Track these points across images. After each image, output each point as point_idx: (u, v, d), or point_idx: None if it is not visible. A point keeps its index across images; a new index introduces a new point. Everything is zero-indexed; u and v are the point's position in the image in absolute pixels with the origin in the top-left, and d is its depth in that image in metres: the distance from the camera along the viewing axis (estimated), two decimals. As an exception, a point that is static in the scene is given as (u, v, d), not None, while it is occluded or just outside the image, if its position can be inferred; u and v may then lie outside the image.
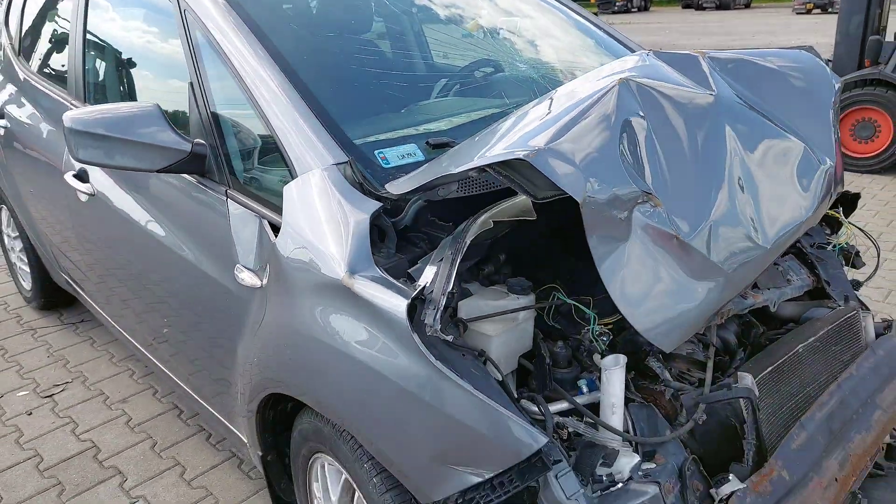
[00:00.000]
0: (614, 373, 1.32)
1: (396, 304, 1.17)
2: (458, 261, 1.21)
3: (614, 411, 1.32)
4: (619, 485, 1.23)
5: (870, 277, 2.13)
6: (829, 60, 5.61)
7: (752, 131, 1.62)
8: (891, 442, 1.87)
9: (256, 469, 2.25)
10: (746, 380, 1.37)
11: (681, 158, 1.42)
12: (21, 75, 2.89)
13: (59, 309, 3.45)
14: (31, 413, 2.63)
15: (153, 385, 2.78)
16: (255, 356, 1.57)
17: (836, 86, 1.93)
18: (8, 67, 3.05)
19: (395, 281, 1.22)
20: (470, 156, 1.22)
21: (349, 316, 1.26)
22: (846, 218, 2.13)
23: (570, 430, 1.30)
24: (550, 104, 1.40)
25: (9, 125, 2.91)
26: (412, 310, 1.16)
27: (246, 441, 1.85)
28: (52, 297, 3.33)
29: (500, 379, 1.28)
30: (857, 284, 2.00)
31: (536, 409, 1.27)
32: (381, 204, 1.35)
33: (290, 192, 1.44)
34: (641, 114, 1.39)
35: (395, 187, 1.35)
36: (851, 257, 2.08)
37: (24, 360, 3.01)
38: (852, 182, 5.25)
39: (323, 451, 1.50)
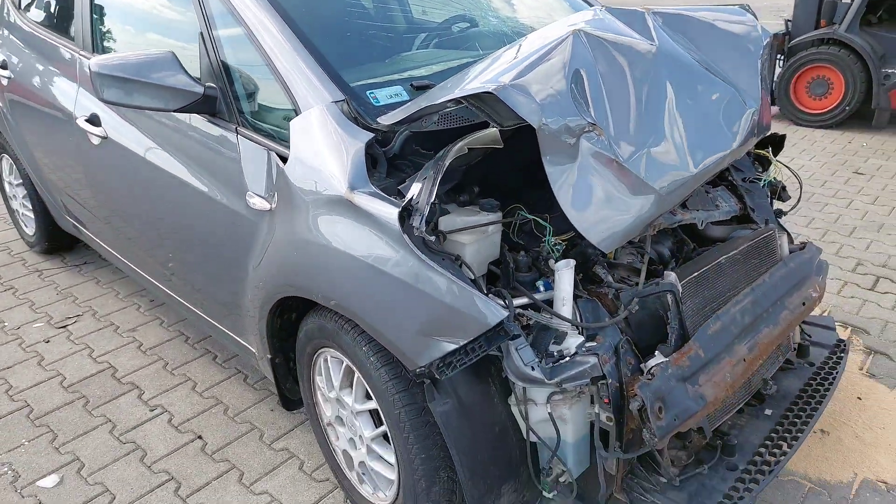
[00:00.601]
0: (564, 273, 1.63)
1: (390, 212, 1.46)
2: (439, 178, 1.49)
3: (564, 304, 1.63)
4: (567, 358, 1.55)
5: (793, 207, 2.46)
6: (788, 20, 5.90)
7: (687, 77, 1.90)
8: (802, 342, 2.23)
9: (261, 381, 2.56)
10: (671, 277, 1.69)
11: (624, 97, 1.70)
12: (24, 27, 3.05)
13: (62, 253, 3.67)
14: (48, 341, 2.88)
15: (159, 316, 3.05)
16: (265, 269, 1.85)
17: (766, 40, 2.22)
18: (9, 20, 3.21)
19: (387, 195, 1.50)
20: (448, 91, 1.50)
21: (350, 223, 1.55)
22: (774, 157, 2.45)
23: (529, 319, 1.61)
24: (517, 50, 1.67)
25: (12, 76, 3.08)
26: (402, 216, 1.45)
27: (255, 351, 2.14)
28: (56, 241, 3.55)
29: (473, 278, 1.58)
30: (779, 213, 2.33)
31: (502, 301, 1.58)
32: (373, 135, 1.63)
33: (296, 126, 1.71)
34: (591, 59, 1.67)
35: (386, 119, 1.62)
36: (778, 191, 2.41)
37: (35, 297, 3.25)
38: (805, 136, 5.62)
39: (326, 345, 1.80)
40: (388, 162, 1.66)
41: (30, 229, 3.64)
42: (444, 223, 1.64)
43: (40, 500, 2.05)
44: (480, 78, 1.50)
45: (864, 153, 5.14)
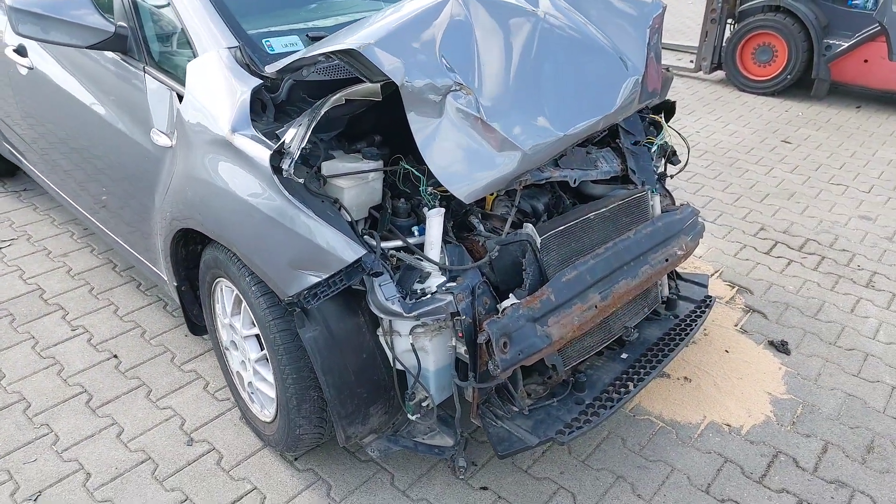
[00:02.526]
0: (434, 219, 1.80)
1: (263, 154, 1.60)
2: (313, 125, 1.63)
3: (432, 247, 1.80)
4: (428, 296, 1.74)
5: (679, 171, 2.65)
6: (740, -15, 5.99)
7: (568, 42, 2.04)
8: (669, 296, 2.45)
9: (178, 309, 2.72)
10: (528, 228, 1.88)
11: (498, 58, 1.84)
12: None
13: (3, 178, 3.74)
14: (-20, 262, 3.01)
15: (91, 244, 3.18)
16: (168, 201, 1.99)
17: (658, 11, 2.36)
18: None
19: (265, 139, 1.65)
20: (325, 45, 1.62)
21: (230, 163, 1.69)
22: (667, 122, 2.62)
23: (400, 260, 1.79)
24: (398, 9, 1.79)
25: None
26: (275, 158, 1.59)
27: (165, 278, 2.30)
28: (-5, 165, 3.62)
29: (350, 219, 1.74)
30: (663, 176, 2.52)
31: (373, 241, 1.75)
32: (262, 81, 1.75)
33: (192, 68, 1.83)
34: (468, 20, 1.80)
35: (271, 67, 1.74)
36: (668, 154, 2.59)
37: (-29, 220, 3.35)
38: (746, 102, 5.79)
39: (220, 275, 1.97)
40: (276, 108, 1.80)
41: (-31, 153, 3.69)
42: (327, 168, 1.79)
43: (-40, 406, 2.23)
44: (357, 34, 1.63)
45: (797, 122, 5.34)
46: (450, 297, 1.71)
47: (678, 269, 2.67)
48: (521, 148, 1.80)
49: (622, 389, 2.04)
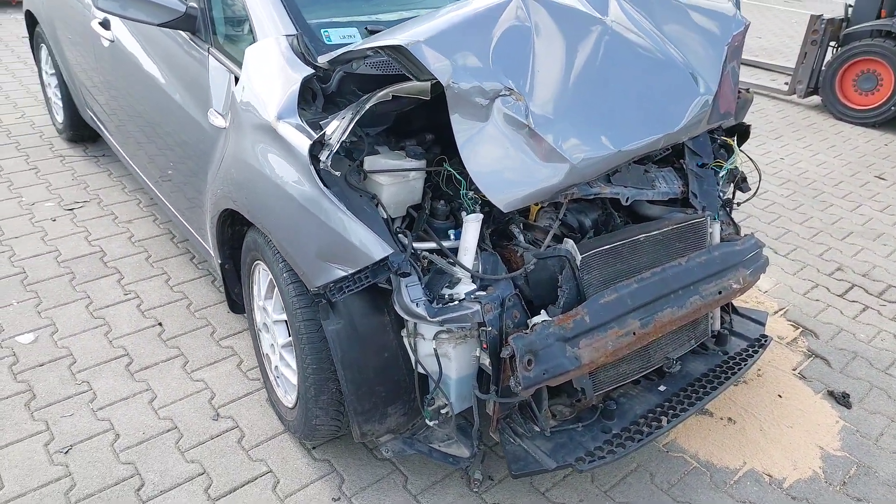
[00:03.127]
0: (470, 225, 1.75)
1: (302, 143, 1.60)
2: (357, 118, 1.61)
3: (466, 253, 1.76)
4: (455, 302, 1.69)
5: (748, 199, 2.49)
6: (849, 5, 5.60)
7: (635, 54, 1.95)
8: (721, 330, 2.31)
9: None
10: (568, 244, 1.80)
11: (556, 65, 1.77)
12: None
13: (85, 143, 3.95)
14: (55, 220, 3.18)
15: (154, 213, 3.31)
16: (217, 182, 2.03)
17: (738, 29, 2.22)
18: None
19: (308, 128, 1.64)
20: (374, 40, 1.60)
21: (273, 149, 1.70)
22: (739, 147, 2.47)
23: (432, 262, 1.75)
24: (458, 7, 1.75)
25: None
26: (314, 148, 1.59)
27: (213, 254, 2.35)
28: (80, 131, 3.82)
29: (386, 217, 1.72)
30: (728, 203, 2.37)
31: (405, 241, 1.72)
32: (314, 71, 1.75)
33: (249, 52, 1.85)
34: (528, 24, 1.74)
35: (323, 58, 1.74)
36: (737, 181, 2.44)
37: (53, 180, 3.55)
38: (841, 132, 5.42)
39: (258, 257, 1.99)
40: (326, 99, 1.79)
41: (59, 117, 3.91)
42: (369, 163, 1.78)
43: (14, 352, 2.35)
44: (408, 31, 1.60)
45: (897, 159, 4.96)
46: (477, 307, 1.66)
47: (735, 303, 2.52)
48: (570, 161, 1.73)
49: (654, 423, 1.93)
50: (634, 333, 1.84)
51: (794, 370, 2.64)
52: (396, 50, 1.54)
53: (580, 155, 1.75)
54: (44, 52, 3.87)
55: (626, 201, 2.02)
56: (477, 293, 1.71)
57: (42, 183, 3.50)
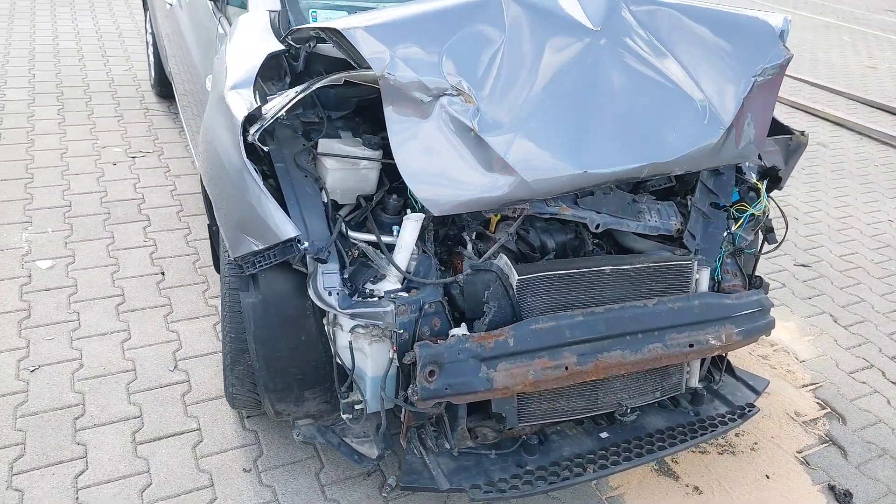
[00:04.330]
0: (409, 223, 1.70)
1: (239, 115, 1.62)
2: (297, 98, 1.61)
3: (401, 251, 1.70)
4: (373, 298, 1.65)
5: (770, 251, 2.23)
6: None
7: (631, 70, 1.79)
8: (699, 389, 2.08)
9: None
10: (501, 261, 1.69)
11: (526, 73, 1.66)
12: None
13: (171, 99, 4.26)
14: (115, 164, 3.46)
15: (203, 172, 3.51)
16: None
17: (776, 60, 1.97)
18: None
19: (254, 100, 1.66)
20: (328, 21, 1.59)
21: (221, 119, 1.74)
22: (768, 193, 2.22)
23: (364, 255, 1.71)
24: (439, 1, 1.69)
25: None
26: (248, 120, 1.60)
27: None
28: (165, 87, 4.12)
29: (326, 201, 1.71)
30: (740, 252, 2.13)
31: (336, 227, 1.69)
32: (284, 48, 1.77)
33: (236, 23, 1.90)
34: (502, 25, 1.65)
35: (286, 34, 1.75)
36: (762, 228, 2.19)
37: (130, 129, 3.86)
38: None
39: (223, 223, 2.04)
40: (296, 77, 1.80)
41: (153, 73, 4.26)
42: (323, 146, 1.77)
43: (31, 274, 2.59)
44: (364, 16, 1.58)
45: None
46: (390, 307, 1.61)
47: (732, 363, 2.26)
48: (519, 174, 1.62)
49: (577, 469, 1.78)
50: (567, 368, 1.69)
51: (798, 452, 2.33)
52: (337, 34, 1.52)
53: (533, 170, 1.64)
54: (148, 15, 4.22)
55: (597, 228, 1.87)
56: (398, 293, 1.66)
57: (120, 130, 3.82)
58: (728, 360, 2.22)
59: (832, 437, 2.41)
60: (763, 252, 2.24)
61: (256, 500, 1.86)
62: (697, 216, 2.07)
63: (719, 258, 2.06)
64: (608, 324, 1.75)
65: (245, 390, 1.88)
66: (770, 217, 2.27)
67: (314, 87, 1.64)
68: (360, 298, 1.64)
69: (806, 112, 6.37)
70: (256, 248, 1.60)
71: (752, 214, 2.16)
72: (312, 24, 1.54)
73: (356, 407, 1.80)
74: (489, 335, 1.64)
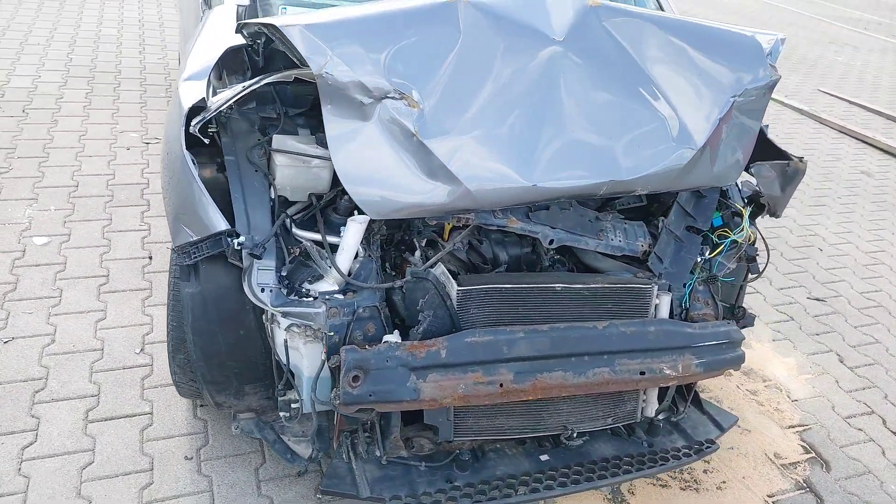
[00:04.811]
0: (353, 225, 1.68)
1: (185, 104, 1.63)
2: (245, 93, 1.60)
3: (343, 253, 1.69)
4: (308, 299, 1.64)
5: (750, 280, 2.13)
6: None
7: (596, 85, 1.72)
8: (655, 420, 1.99)
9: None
10: (437, 269, 1.65)
11: (479, 81, 1.62)
12: None
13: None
14: (129, 149, 3.57)
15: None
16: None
17: (760, 82, 1.88)
18: None
19: (205, 92, 1.67)
20: (269, 18, 1.59)
21: (174, 109, 1.76)
22: (752, 221, 2.11)
23: (305, 254, 1.70)
24: (397, 2, 1.67)
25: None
26: (192, 112, 1.61)
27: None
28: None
29: (273, 197, 1.71)
30: (713, 279, 2.03)
31: (279, 224, 1.69)
32: (245, 42, 1.78)
33: (206, 15, 1.92)
34: (458, 32, 1.62)
35: (244, 27, 1.75)
36: (743, 256, 2.08)
37: (151, 115, 3.98)
38: None
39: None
40: (258, 71, 1.81)
41: (182, 63, 4.39)
42: (277, 142, 1.77)
43: (25, 249, 2.69)
44: (310, 15, 1.57)
45: None
46: (321, 308, 1.60)
47: (700, 395, 2.16)
48: (462, 183, 1.58)
49: (507, 490, 1.73)
50: (502, 386, 1.64)
51: (769, 496, 2.20)
52: (277, 31, 1.51)
53: (476, 180, 1.60)
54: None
55: (550, 244, 1.82)
56: (332, 295, 1.64)
57: (140, 116, 3.94)
58: (696, 392, 2.12)
59: (810, 485, 2.28)
60: (747, 281, 2.13)
61: (191, 489, 1.87)
62: (669, 239, 1.99)
63: (689, 284, 1.97)
64: (552, 343, 1.70)
65: (187, 379, 1.90)
66: (756, 246, 2.17)
67: (261, 83, 1.63)
68: (296, 297, 1.64)
69: (855, 138, 6.08)
70: (191, 240, 1.61)
71: (734, 241, 2.06)
72: (257, 20, 1.54)
73: (293, 406, 1.79)
74: (421, 345, 1.61)
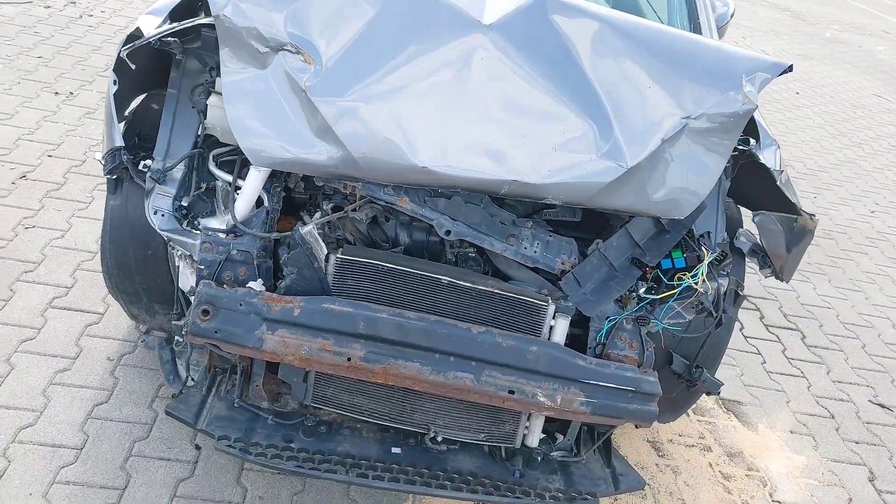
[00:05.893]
0: (253, 172, 1.73)
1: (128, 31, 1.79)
2: (170, 29, 1.69)
3: (242, 196, 1.74)
4: (198, 232, 1.72)
5: (704, 336, 1.88)
6: None
7: (521, 77, 1.62)
8: (535, 452, 1.81)
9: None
10: (305, 229, 1.64)
11: (386, 51, 1.59)
12: None
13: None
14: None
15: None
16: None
17: (730, 108, 1.64)
18: None
19: (155, 26, 1.81)
20: None
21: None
22: (707, 264, 1.85)
23: (210, 189, 1.79)
24: None
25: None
26: (125, 41, 1.75)
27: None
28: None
29: (199, 132, 1.82)
30: (643, 319, 1.80)
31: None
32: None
33: None
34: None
35: None
36: (696, 307, 1.84)
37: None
38: None
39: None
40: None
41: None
42: (219, 84, 1.86)
43: (86, 160, 3.08)
44: None
45: None
46: (196, 241, 1.68)
47: (613, 443, 1.92)
48: (348, 148, 1.58)
49: (337, 468, 1.68)
50: (350, 360, 1.60)
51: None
52: None
53: (363, 147, 1.58)
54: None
55: (447, 234, 1.73)
56: (216, 233, 1.71)
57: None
58: (609, 440, 1.90)
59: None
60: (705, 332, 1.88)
61: (97, 384, 2.05)
62: (600, 264, 1.81)
63: (614, 320, 1.78)
64: (416, 333, 1.62)
65: (111, 285, 2.07)
66: (723, 301, 1.90)
67: (184, 25, 1.72)
68: (187, 228, 1.73)
69: None
70: (110, 148, 1.77)
71: (689, 288, 1.83)
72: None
73: (184, 331, 1.89)
74: (278, 298, 1.62)
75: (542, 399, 1.64)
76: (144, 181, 1.74)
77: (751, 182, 2.09)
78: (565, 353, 1.68)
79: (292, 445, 1.71)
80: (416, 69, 1.60)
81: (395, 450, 1.76)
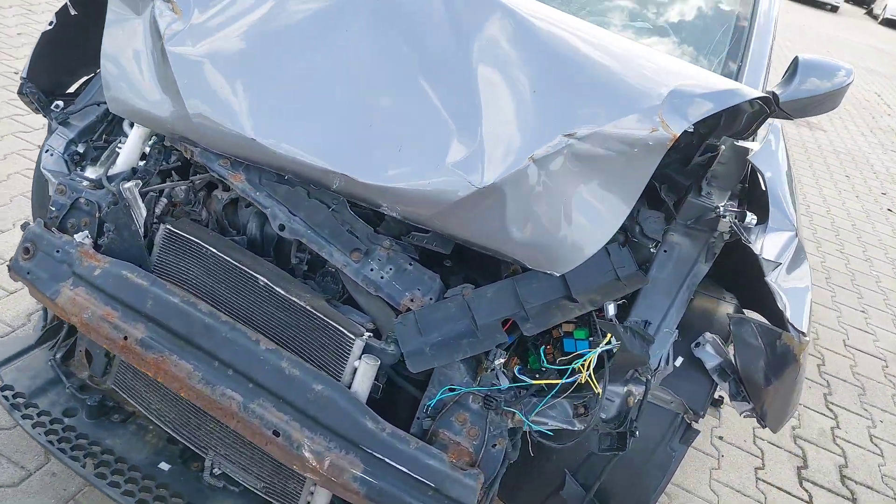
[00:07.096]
0: (136, 128, 1.67)
1: None
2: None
3: (124, 152, 1.67)
4: (78, 173, 1.68)
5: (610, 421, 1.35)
6: None
7: (381, 57, 1.36)
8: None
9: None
10: (124, 185, 1.48)
11: (260, 21, 1.45)
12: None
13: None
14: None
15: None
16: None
17: (628, 132, 1.19)
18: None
19: None
20: None
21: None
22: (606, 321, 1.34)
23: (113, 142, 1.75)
24: None
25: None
26: None
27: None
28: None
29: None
30: (490, 402, 1.33)
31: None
32: None
33: None
34: None
35: None
36: (582, 411, 1.35)
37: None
38: None
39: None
40: None
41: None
42: None
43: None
44: None
45: None
46: (60, 180, 1.63)
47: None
48: (186, 106, 1.45)
49: (79, 454, 1.46)
50: (126, 339, 1.41)
51: None
52: None
53: (199, 106, 1.43)
54: None
55: (281, 229, 1.46)
56: (80, 181, 1.64)
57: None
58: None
59: None
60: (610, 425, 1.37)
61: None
62: (459, 314, 1.37)
63: (455, 391, 1.35)
64: (200, 330, 1.38)
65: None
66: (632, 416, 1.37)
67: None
68: (67, 172, 1.71)
69: None
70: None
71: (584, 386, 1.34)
72: None
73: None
74: (90, 254, 1.50)
75: (306, 455, 1.28)
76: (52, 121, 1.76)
77: (746, 274, 1.51)
78: (352, 406, 1.29)
79: (68, 424, 1.53)
80: (277, 41, 1.43)
81: (163, 466, 1.50)
